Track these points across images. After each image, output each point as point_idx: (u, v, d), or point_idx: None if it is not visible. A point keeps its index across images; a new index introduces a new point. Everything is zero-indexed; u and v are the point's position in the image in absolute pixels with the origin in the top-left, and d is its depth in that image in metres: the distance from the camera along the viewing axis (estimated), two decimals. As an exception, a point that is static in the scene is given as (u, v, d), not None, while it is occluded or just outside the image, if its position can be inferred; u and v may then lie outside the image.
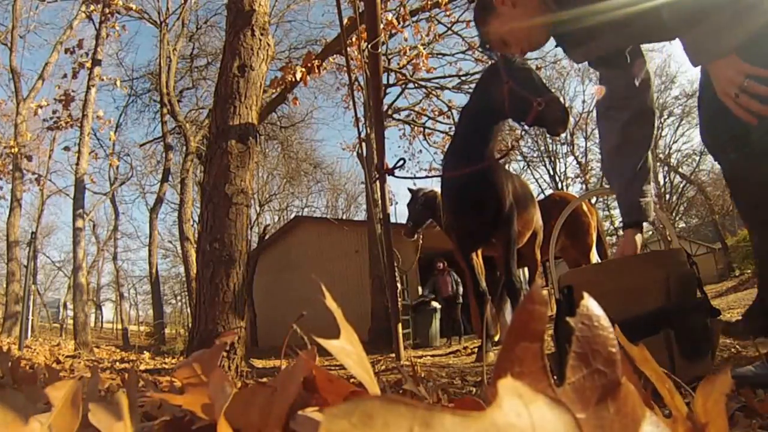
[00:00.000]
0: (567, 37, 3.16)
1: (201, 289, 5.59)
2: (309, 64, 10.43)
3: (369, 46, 5.24)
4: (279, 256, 25.56)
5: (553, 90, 5.86)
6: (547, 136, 38.72)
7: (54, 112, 18.70)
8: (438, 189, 7.69)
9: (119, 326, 48.88)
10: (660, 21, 2.51)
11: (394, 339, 7.72)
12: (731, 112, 2.40)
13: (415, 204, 9.71)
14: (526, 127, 5.58)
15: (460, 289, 15.90)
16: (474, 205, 6.14)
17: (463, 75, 21.62)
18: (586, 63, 3.38)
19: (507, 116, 5.77)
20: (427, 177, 15.09)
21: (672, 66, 47.14)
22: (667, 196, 42.73)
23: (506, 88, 5.46)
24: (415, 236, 9.99)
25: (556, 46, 3.32)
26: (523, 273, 9.35)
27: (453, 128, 20.50)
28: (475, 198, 6.09)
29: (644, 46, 3.23)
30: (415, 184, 10.26)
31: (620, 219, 3.33)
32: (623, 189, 3.19)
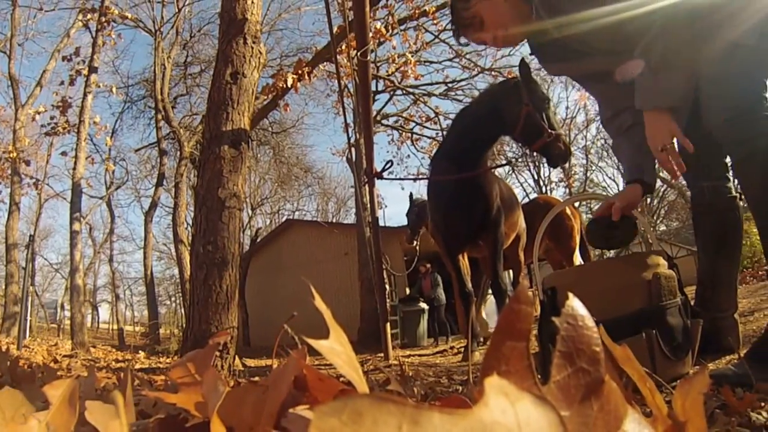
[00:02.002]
0: (548, 50, 3.26)
1: (195, 290, 5.58)
2: (300, 72, 10.43)
3: (358, 53, 5.24)
4: (270, 259, 25.58)
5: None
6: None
7: (51, 118, 18.71)
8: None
9: (115, 326, 48.83)
10: None
11: (382, 339, 7.72)
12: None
13: (412, 212, 9.78)
14: (527, 151, 5.61)
15: (437, 291, 15.88)
16: (464, 207, 6.11)
17: (449, 82, 21.72)
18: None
19: (513, 135, 5.77)
20: (416, 179, 15.03)
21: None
22: (648, 200, 42.88)
23: (524, 111, 5.48)
24: (414, 242, 10.06)
25: (531, 54, 3.46)
26: (508, 275, 9.36)
27: (440, 134, 20.57)
28: (465, 200, 6.06)
29: None
30: (402, 188, 10.32)
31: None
32: (632, 154, 3.18)
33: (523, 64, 5.68)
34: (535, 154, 5.80)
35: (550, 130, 5.33)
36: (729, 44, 2.56)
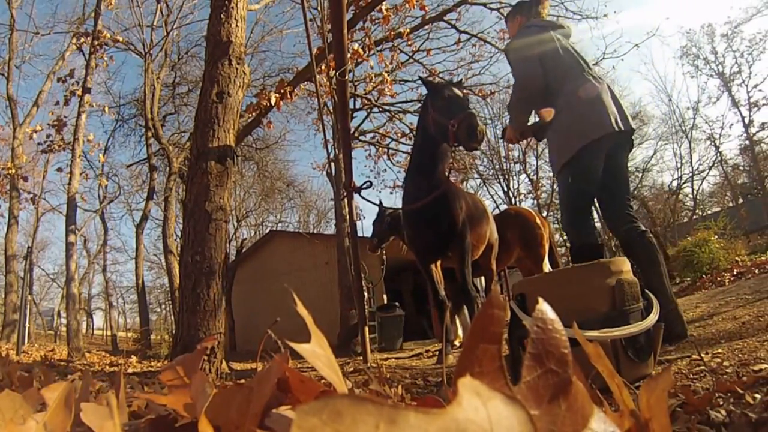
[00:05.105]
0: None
1: (183, 298, 5.55)
2: (282, 91, 10.41)
3: (337, 73, 5.25)
4: (255, 268, 25.46)
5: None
6: (501, 155, 39.07)
7: (48, 136, 18.85)
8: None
9: (109, 333, 48.61)
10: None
11: (361, 343, 7.69)
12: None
13: (381, 222, 9.64)
14: (454, 146, 5.68)
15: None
16: (430, 223, 6.18)
17: (423, 99, 21.73)
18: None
19: (438, 142, 5.87)
20: (386, 207, 15.07)
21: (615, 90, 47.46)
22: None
23: (430, 119, 5.76)
24: (379, 251, 9.94)
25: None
26: (480, 282, 9.33)
27: (414, 149, 20.65)
28: (430, 217, 6.15)
29: None
30: (380, 201, 10.17)
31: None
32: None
33: (422, 81, 6.37)
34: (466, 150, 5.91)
35: (451, 121, 5.37)
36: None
